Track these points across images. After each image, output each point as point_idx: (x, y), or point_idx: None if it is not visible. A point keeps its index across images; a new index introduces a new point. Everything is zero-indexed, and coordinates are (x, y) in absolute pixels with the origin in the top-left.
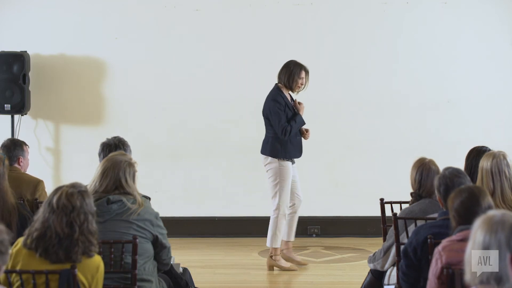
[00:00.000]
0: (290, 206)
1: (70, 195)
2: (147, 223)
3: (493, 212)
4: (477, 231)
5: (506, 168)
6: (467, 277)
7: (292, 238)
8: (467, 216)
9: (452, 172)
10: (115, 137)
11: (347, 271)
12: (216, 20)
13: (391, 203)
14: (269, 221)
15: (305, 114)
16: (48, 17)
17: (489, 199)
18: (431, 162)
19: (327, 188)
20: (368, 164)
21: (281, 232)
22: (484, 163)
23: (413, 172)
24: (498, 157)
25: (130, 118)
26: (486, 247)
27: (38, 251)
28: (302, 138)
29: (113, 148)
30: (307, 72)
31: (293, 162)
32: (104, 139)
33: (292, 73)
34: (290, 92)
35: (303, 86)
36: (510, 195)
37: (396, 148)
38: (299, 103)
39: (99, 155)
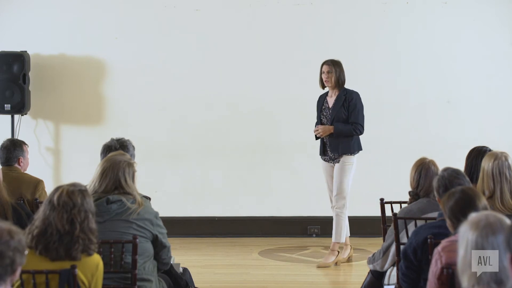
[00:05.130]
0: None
1: (71, 192)
2: (146, 223)
3: (478, 216)
4: (468, 233)
5: (507, 170)
6: (464, 283)
7: (334, 238)
8: (462, 216)
9: (451, 173)
10: (118, 139)
11: (347, 271)
12: (216, 20)
13: (391, 203)
14: (268, 221)
15: (305, 113)
16: (48, 17)
17: (484, 200)
18: (431, 162)
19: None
20: (368, 164)
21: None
22: (486, 164)
23: (412, 171)
24: (500, 159)
25: (130, 118)
26: (480, 248)
27: (38, 248)
28: (327, 138)
29: (113, 150)
30: (326, 64)
31: (328, 161)
32: (104, 139)
33: (319, 72)
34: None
35: (330, 79)
36: (509, 198)
37: (396, 148)
38: (321, 127)
39: (101, 155)
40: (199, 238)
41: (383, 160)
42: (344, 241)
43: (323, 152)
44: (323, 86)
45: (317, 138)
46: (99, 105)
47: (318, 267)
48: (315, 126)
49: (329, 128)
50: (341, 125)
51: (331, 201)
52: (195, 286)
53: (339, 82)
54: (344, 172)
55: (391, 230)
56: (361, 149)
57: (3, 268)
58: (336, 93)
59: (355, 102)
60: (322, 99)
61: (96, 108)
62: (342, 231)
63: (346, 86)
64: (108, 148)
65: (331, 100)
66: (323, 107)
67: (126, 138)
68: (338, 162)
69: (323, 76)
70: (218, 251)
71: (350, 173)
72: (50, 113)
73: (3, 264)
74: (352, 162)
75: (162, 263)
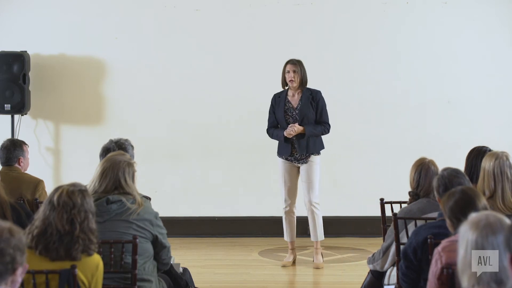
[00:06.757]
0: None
1: (71, 192)
2: (146, 223)
3: (478, 216)
4: (468, 233)
5: (508, 170)
6: (464, 283)
7: (316, 237)
8: (463, 216)
9: (451, 173)
10: (117, 141)
11: (347, 271)
12: (216, 20)
13: (391, 203)
14: (268, 221)
15: None
16: (48, 17)
17: (484, 200)
18: (430, 162)
19: (327, 188)
20: (368, 164)
21: (285, 228)
22: (487, 164)
23: (412, 172)
24: (501, 158)
25: (130, 118)
26: (480, 248)
27: (38, 248)
28: (295, 138)
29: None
30: (291, 63)
31: (293, 161)
32: (104, 139)
33: (282, 72)
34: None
35: (296, 78)
36: (510, 197)
37: (396, 148)
38: (293, 125)
39: (100, 157)
40: (199, 238)
41: (383, 160)
42: (323, 238)
43: (290, 153)
44: (286, 86)
45: (285, 138)
46: (99, 105)
47: (317, 267)
48: (273, 126)
49: (300, 129)
50: (311, 127)
51: (285, 200)
52: (195, 286)
53: (303, 81)
54: (314, 172)
55: (391, 230)
56: (323, 148)
57: (3, 265)
58: (300, 93)
59: (322, 102)
60: (282, 99)
61: (96, 108)
62: (322, 228)
63: (344, 85)
64: (106, 150)
65: (294, 100)
66: (286, 107)
67: (126, 138)
68: (306, 162)
69: (288, 76)
70: (218, 251)
71: (318, 172)
72: (50, 113)
73: (3, 262)
74: (318, 161)
75: (162, 264)
